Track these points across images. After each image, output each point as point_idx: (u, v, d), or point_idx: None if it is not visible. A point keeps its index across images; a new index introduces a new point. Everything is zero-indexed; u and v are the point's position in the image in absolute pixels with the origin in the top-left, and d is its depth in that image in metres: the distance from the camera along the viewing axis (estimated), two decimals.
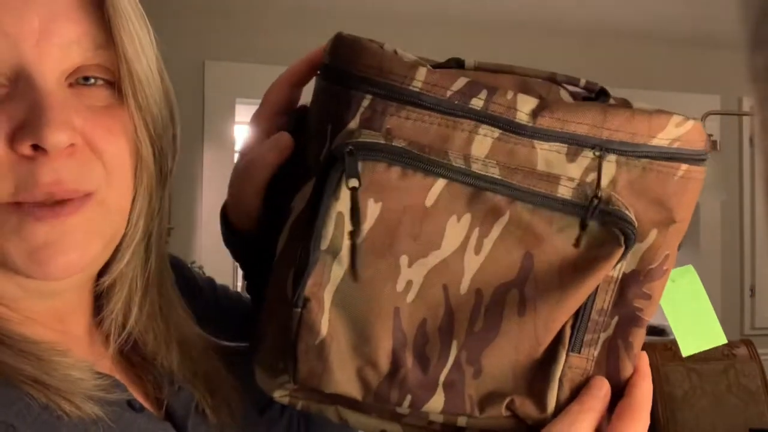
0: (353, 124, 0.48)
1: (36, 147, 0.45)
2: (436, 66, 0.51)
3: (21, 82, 0.46)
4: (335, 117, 0.49)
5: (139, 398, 0.54)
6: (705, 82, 3.43)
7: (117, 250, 0.53)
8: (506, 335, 0.49)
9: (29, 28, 0.46)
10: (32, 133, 0.45)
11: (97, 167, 0.49)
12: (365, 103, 0.48)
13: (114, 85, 0.51)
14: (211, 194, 2.67)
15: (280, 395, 0.53)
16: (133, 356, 0.57)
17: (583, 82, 0.53)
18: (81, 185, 0.48)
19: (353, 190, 0.46)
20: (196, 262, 2.38)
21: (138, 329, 0.56)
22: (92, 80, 0.50)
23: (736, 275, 3.50)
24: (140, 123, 0.51)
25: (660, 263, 0.51)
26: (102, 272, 0.54)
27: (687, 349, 0.59)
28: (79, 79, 0.49)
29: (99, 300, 0.56)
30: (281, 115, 0.57)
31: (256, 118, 0.57)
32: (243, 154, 0.57)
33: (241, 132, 3.22)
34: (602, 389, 0.51)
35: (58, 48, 0.47)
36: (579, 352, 0.51)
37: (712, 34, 3.20)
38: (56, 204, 0.47)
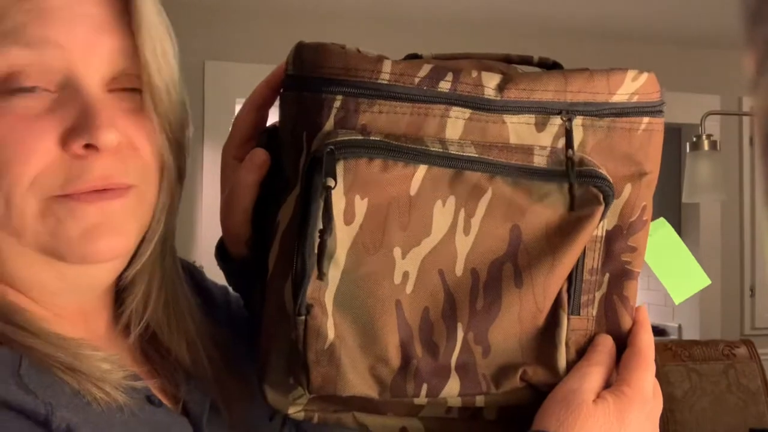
0: (328, 125, 0.49)
1: (88, 146, 0.50)
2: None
3: (69, 89, 0.50)
4: (309, 123, 0.50)
5: (157, 394, 0.56)
6: (705, 82, 3.43)
7: (140, 244, 0.57)
8: (508, 308, 0.50)
9: (77, 40, 0.50)
10: (86, 134, 0.49)
11: (138, 164, 0.54)
12: (337, 103, 0.49)
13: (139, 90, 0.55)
14: (211, 194, 2.66)
15: (294, 411, 0.53)
16: (150, 352, 0.60)
17: (536, 58, 0.55)
18: (125, 179, 0.53)
19: (328, 189, 0.46)
20: (197, 262, 2.38)
21: (155, 320, 0.59)
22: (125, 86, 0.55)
23: (736, 275, 3.50)
24: (159, 127, 0.55)
25: (639, 215, 0.53)
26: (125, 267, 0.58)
27: (678, 296, 0.61)
28: (115, 86, 0.53)
29: (118, 296, 0.59)
30: (252, 140, 0.58)
31: (228, 148, 0.59)
32: (223, 185, 0.59)
33: None
34: (606, 344, 0.54)
35: (99, 58, 0.51)
36: (578, 314, 0.53)
37: (712, 34, 3.20)
38: (102, 191, 0.51)
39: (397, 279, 0.49)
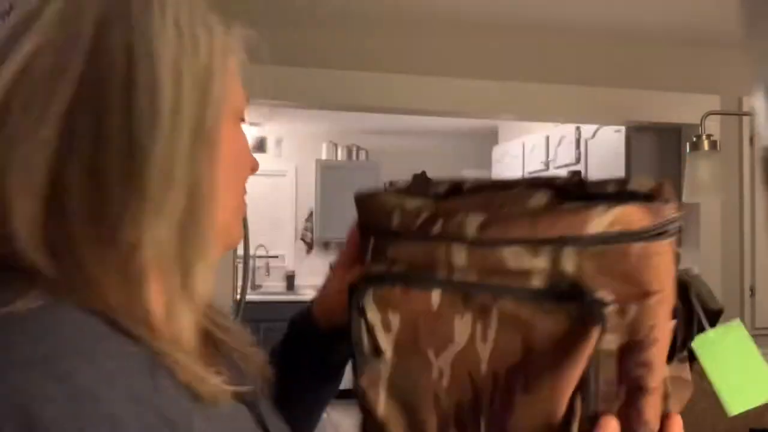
0: (368, 258, 0.65)
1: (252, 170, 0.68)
2: (443, 193, 0.64)
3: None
4: (362, 256, 0.66)
5: None
6: (705, 82, 3.43)
7: None
8: (521, 412, 0.56)
9: None
10: (255, 165, 0.68)
11: None
12: (371, 242, 0.64)
13: None
14: None
15: None
16: (201, 346, 0.64)
17: (563, 176, 0.62)
18: None
19: (362, 309, 0.61)
20: None
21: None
22: None
23: (736, 275, 3.50)
24: None
25: (648, 333, 0.55)
26: None
27: (734, 408, 0.61)
28: None
29: None
30: (354, 253, 0.74)
31: (338, 255, 0.79)
32: (326, 282, 0.79)
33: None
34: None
35: None
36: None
37: (712, 34, 3.20)
38: None
39: (435, 375, 0.60)
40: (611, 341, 0.55)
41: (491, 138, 5.64)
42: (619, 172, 3.64)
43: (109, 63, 0.53)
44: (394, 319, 0.60)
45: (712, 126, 3.06)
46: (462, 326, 0.58)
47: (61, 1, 0.55)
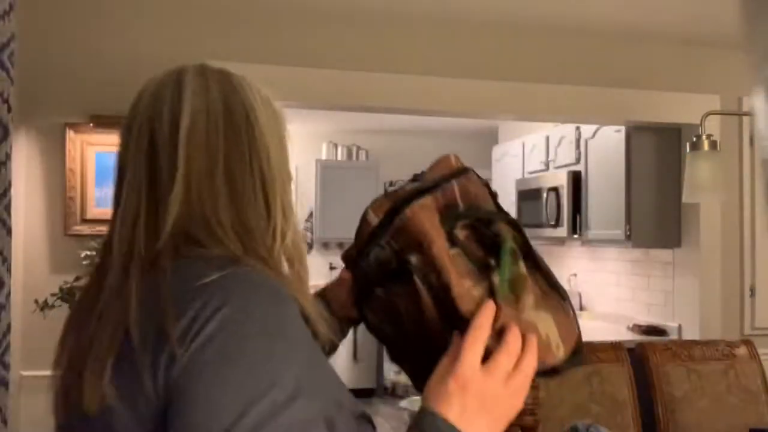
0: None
1: None
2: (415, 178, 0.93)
3: None
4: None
5: None
6: (705, 82, 3.43)
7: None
8: (441, 350, 0.80)
9: None
10: None
11: None
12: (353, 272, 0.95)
13: None
14: None
15: None
16: None
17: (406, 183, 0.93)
18: None
19: (365, 315, 0.93)
20: None
21: None
22: None
23: (736, 275, 3.50)
24: None
25: (437, 266, 0.81)
26: None
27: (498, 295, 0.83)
28: None
29: None
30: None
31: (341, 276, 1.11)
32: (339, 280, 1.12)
33: None
34: (456, 342, 0.79)
35: None
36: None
37: (712, 34, 3.20)
38: None
39: (417, 341, 0.84)
40: (435, 280, 0.81)
41: (491, 138, 5.64)
42: (619, 172, 3.64)
43: (238, 125, 0.79)
44: (381, 314, 0.89)
45: (712, 126, 3.06)
46: (400, 304, 0.85)
47: (192, 79, 0.80)
